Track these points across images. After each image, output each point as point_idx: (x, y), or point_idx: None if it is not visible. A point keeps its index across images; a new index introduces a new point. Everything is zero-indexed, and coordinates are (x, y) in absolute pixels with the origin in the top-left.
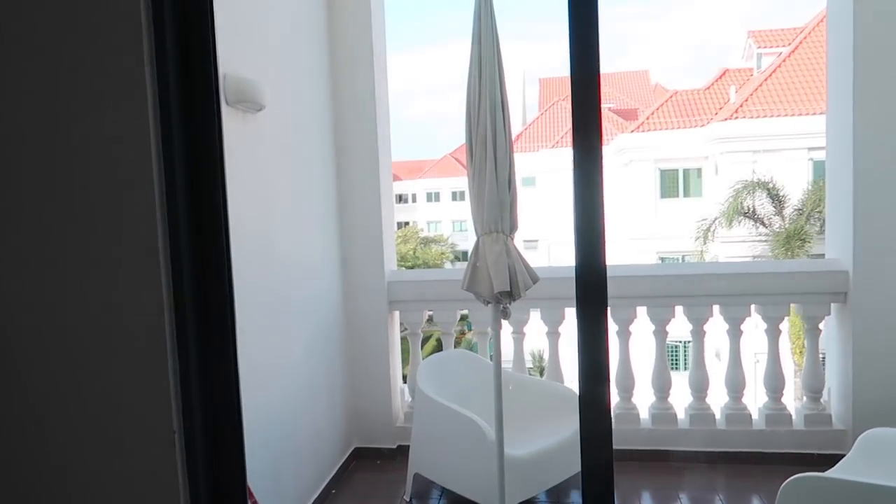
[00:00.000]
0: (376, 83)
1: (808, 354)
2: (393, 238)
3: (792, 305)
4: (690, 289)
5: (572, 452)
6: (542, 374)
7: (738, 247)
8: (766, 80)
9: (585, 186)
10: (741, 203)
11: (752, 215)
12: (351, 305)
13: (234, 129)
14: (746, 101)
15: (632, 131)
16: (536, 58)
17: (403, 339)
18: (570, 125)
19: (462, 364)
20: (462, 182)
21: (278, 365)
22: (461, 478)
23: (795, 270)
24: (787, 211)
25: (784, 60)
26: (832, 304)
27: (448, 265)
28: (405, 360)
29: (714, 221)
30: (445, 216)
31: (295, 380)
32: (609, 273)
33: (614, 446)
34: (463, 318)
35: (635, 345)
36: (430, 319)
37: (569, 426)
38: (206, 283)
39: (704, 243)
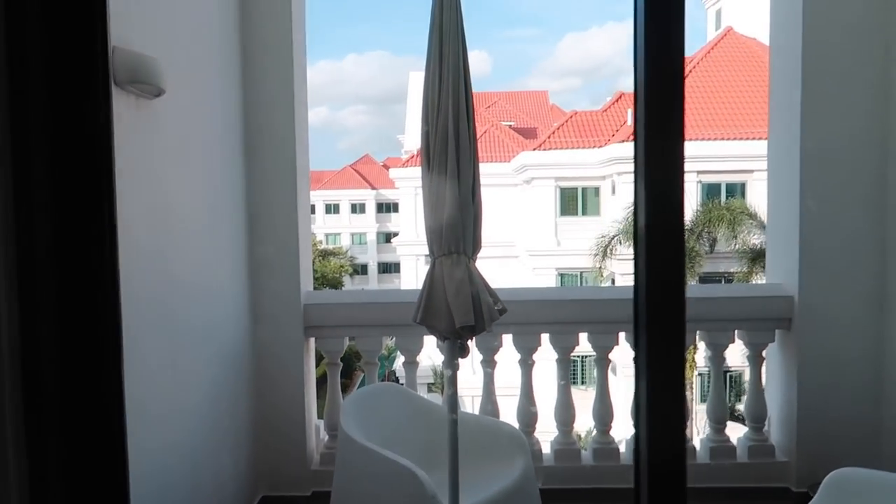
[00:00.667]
0: (295, 79)
1: (752, 383)
2: (310, 255)
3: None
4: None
5: (519, 500)
6: (442, 391)
7: (632, 264)
8: None
9: (661, 181)
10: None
11: None
12: (261, 332)
13: (124, 115)
14: None
15: (533, 149)
16: None
17: (319, 370)
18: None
19: (392, 400)
20: (363, 194)
21: (173, 406)
22: None
23: (740, 295)
24: None
25: None
26: (776, 331)
27: (347, 279)
28: (321, 393)
29: (613, 239)
30: (344, 228)
31: (193, 422)
32: (536, 296)
33: (554, 485)
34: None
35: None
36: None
37: (513, 469)
38: (75, 320)
39: (603, 260)
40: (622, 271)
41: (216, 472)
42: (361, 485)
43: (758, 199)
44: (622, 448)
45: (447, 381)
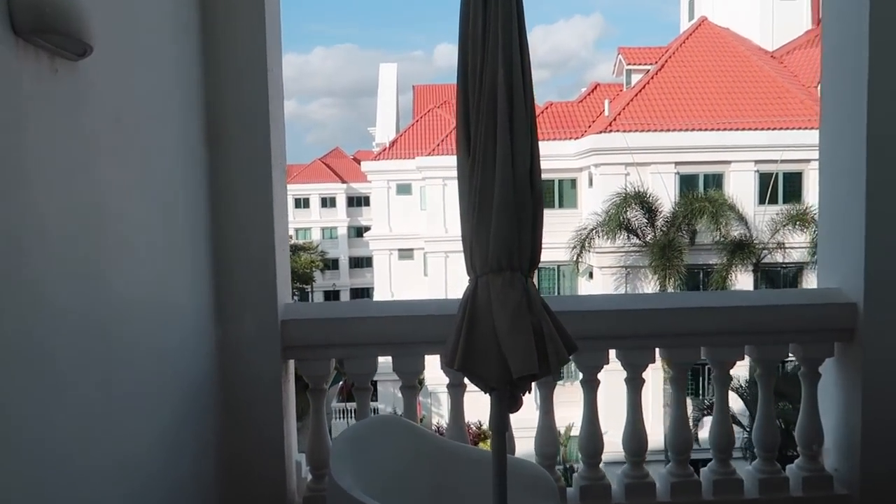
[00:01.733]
0: (269, 48)
1: (807, 404)
2: (288, 262)
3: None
4: (673, 326)
5: None
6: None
7: (610, 257)
8: (636, 95)
9: None
10: (622, 214)
11: (627, 226)
12: (230, 355)
13: (29, 80)
14: (619, 115)
15: None
16: (409, 65)
17: (301, 397)
18: (447, 132)
19: (391, 436)
20: (333, 188)
21: (112, 457)
22: None
23: (796, 303)
24: (659, 222)
25: (652, 77)
26: (836, 344)
27: (318, 274)
28: (302, 423)
29: (591, 232)
30: (315, 223)
31: (145, 477)
32: (568, 307)
33: None
34: None
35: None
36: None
37: None
38: None
39: (581, 253)
40: (600, 265)
41: None
42: None
43: (734, 190)
44: (658, 483)
45: (494, 441)
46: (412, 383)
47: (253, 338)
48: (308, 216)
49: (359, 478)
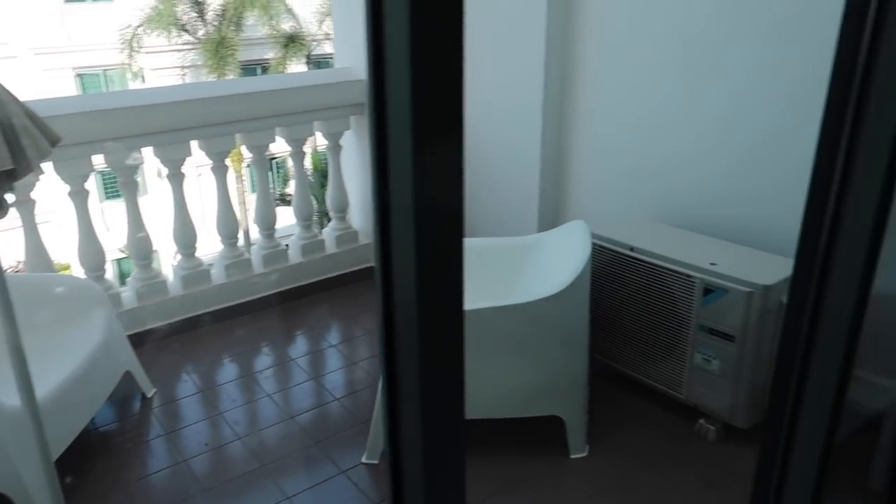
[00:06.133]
0: None
1: (333, 174)
2: None
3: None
4: (208, 117)
5: (106, 359)
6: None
7: (166, 56)
8: None
9: None
10: (171, 8)
11: (177, 23)
12: None
13: None
14: None
15: None
16: None
17: None
18: None
19: None
20: None
21: None
22: None
23: (318, 83)
24: (209, 17)
25: None
26: (351, 118)
27: None
28: None
29: (137, 29)
30: None
31: None
32: (83, 106)
33: (143, 328)
34: None
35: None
36: None
37: (93, 326)
38: None
39: (131, 55)
40: (153, 66)
41: None
42: None
43: None
44: (213, 270)
45: None
46: None
47: None
48: None
49: None
